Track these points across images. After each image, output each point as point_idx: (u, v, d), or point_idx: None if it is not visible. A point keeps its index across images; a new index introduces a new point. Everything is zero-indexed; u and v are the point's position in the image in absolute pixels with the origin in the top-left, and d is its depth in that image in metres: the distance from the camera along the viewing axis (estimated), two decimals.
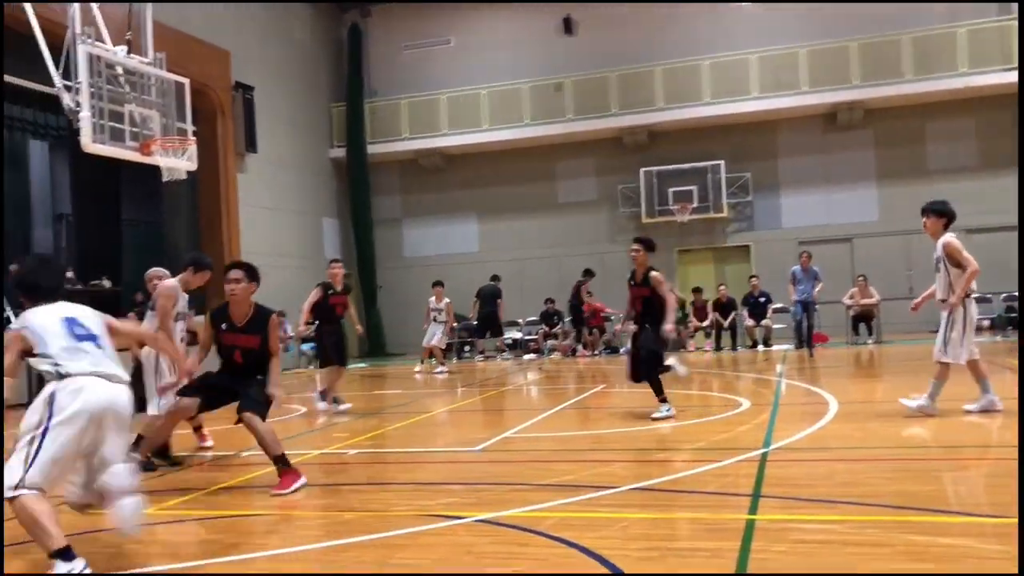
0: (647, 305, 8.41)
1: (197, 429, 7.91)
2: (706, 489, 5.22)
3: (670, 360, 8.64)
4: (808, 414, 8.16)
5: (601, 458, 6.65)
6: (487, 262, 22.53)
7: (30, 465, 3.91)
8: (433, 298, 16.59)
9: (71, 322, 4.37)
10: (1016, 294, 17.10)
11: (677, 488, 5.32)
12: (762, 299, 18.09)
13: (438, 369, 16.17)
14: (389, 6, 23.66)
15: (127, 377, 4.39)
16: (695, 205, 20.86)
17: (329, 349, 10.62)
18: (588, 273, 19.03)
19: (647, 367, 8.33)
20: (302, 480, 5.90)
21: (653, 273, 8.40)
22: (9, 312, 15.69)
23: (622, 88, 21.42)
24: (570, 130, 21.75)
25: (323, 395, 10.50)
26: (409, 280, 22.17)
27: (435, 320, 16.46)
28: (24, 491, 3.88)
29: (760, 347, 17.81)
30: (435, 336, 16.49)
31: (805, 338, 16.21)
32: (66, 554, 3.89)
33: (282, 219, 21.00)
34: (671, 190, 21.04)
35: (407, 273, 22.62)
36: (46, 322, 4.31)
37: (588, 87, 21.66)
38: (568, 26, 22.15)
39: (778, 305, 18.10)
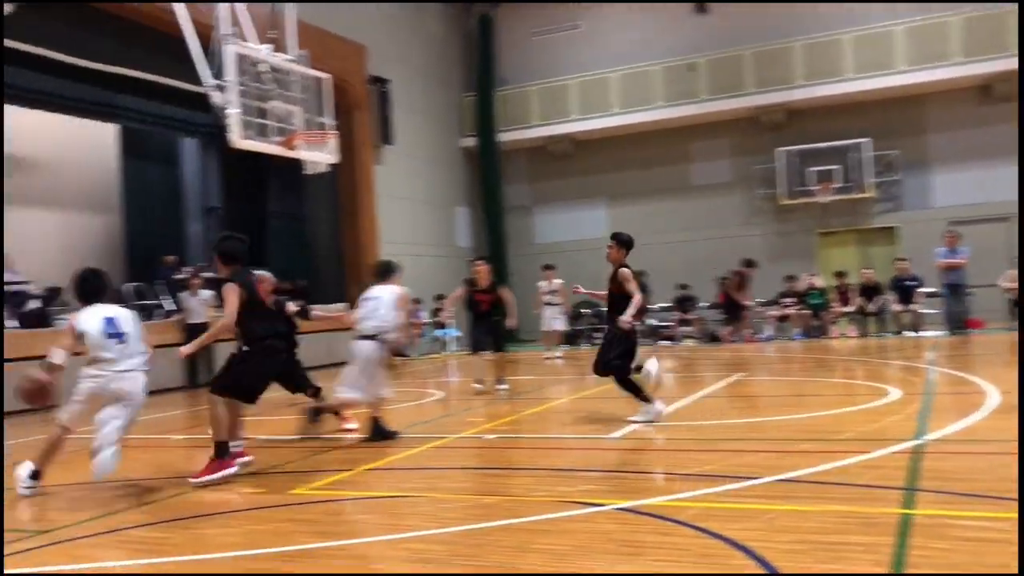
0: (613, 301, 8.28)
1: (337, 412, 8.19)
2: (856, 481, 5.00)
3: (646, 362, 8.27)
4: (964, 404, 7.72)
5: (742, 448, 6.49)
6: None
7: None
8: (544, 282, 16.66)
9: (108, 321, 5.98)
10: None
11: (824, 480, 5.12)
12: (911, 283, 17.19)
13: (556, 354, 16.24)
14: None
15: (142, 367, 6.08)
16: (837, 185, 20.03)
17: (480, 340, 11.13)
18: (750, 264, 18.47)
19: (607, 369, 8.15)
20: (230, 470, 6.12)
21: (622, 269, 8.27)
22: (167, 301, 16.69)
23: (758, 66, 20.76)
24: (704, 111, 21.26)
25: (498, 381, 11.01)
26: (540, 267, 22.27)
27: (548, 304, 16.46)
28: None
29: (909, 333, 16.96)
30: (555, 321, 16.53)
31: (957, 323, 15.36)
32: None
33: (417, 209, 21.46)
34: (811, 170, 20.28)
35: (538, 260, 22.65)
36: (90, 320, 5.95)
37: (722, 66, 21.10)
38: (700, 4, 21.63)
39: (929, 289, 17.15)
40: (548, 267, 16.95)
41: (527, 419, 8.87)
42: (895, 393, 8.73)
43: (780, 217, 21.22)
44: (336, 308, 17.90)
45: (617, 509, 4.67)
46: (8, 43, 14.24)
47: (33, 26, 13.74)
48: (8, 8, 13.13)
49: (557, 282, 16.65)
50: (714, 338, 18.70)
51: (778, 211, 21.14)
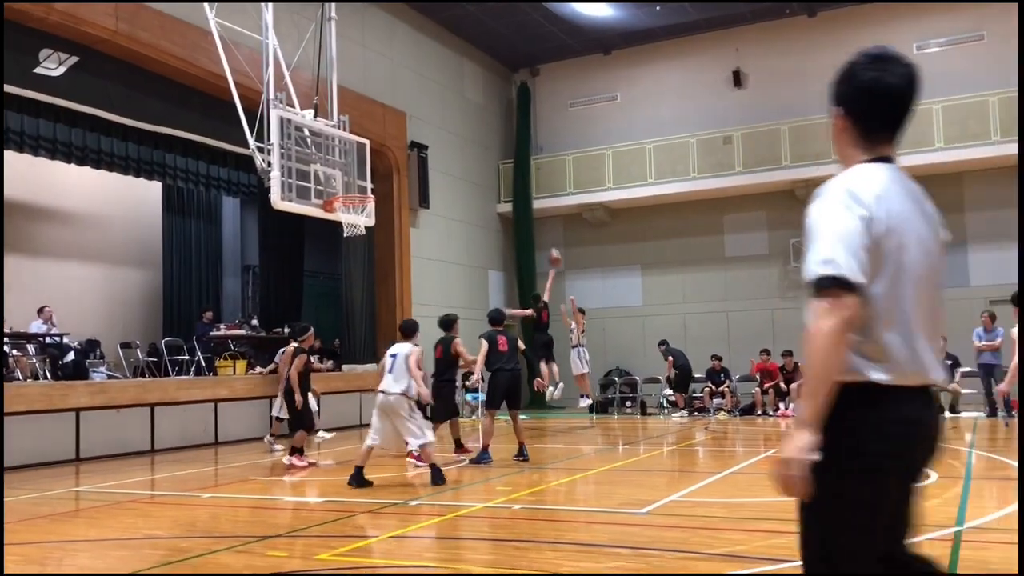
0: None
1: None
2: None
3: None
4: (1006, 489, 7.50)
5: (775, 528, 6.33)
6: (651, 316, 22.32)
7: None
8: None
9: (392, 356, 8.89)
10: None
11: None
12: (948, 362, 16.91)
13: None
14: (556, 65, 24.16)
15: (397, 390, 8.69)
16: None
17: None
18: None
19: None
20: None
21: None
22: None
23: (794, 140, 20.84)
24: (739, 183, 21.32)
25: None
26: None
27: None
28: None
29: (946, 413, 16.61)
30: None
31: (997, 405, 15.07)
32: None
33: (450, 271, 21.61)
34: None
35: None
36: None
37: (758, 139, 21.21)
38: (737, 79, 21.88)
39: (966, 368, 16.85)
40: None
41: (555, 490, 8.76)
42: (932, 476, 8.52)
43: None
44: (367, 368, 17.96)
45: None
46: (60, 102, 14.76)
47: (85, 86, 14.22)
48: (61, 70, 13.62)
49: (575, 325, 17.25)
50: (747, 411, 18.49)
51: None
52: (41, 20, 12.37)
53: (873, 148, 2.49)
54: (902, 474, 2.40)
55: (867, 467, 2.28)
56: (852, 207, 2.31)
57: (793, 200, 21.21)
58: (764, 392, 18.32)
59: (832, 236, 2.28)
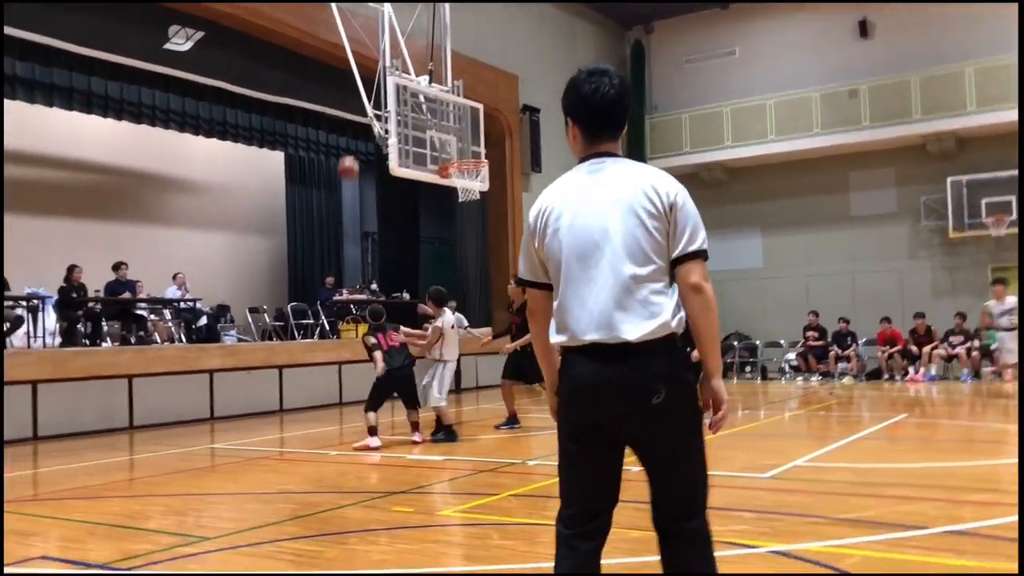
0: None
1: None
2: None
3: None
4: None
5: (906, 494, 6.09)
6: (772, 278, 21.72)
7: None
8: (994, 300, 13.67)
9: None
10: None
11: (999, 535, 4.73)
12: None
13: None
14: (672, 21, 23.56)
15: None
16: (1012, 217, 18.72)
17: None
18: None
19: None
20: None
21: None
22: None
23: (926, 91, 19.73)
24: (866, 139, 20.38)
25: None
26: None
27: (1004, 328, 13.51)
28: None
29: None
30: (1009, 352, 13.63)
31: None
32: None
33: None
34: (984, 201, 19.02)
35: None
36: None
37: (886, 92, 20.18)
38: (864, 29, 20.83)
39: None
40: (999, 281, 14.20)
41: None
42: None
43: (949, 251, 20.03)
44: (482, 331, 18.13)
45: (772, 552, 4.47)
46: (188, 76, 15.39)
47: (210, 60, 14.76)
48: (188, 45, 14.16)
49: (1011, 300, 13.31)
50: (873, 375, 17.84)
51: (947, 244, 19.96)
52: None
53: (594, 147, 2.89)
54: None
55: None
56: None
57: (924, 155, 20.17)
58: (889, 358, 17.63)
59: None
